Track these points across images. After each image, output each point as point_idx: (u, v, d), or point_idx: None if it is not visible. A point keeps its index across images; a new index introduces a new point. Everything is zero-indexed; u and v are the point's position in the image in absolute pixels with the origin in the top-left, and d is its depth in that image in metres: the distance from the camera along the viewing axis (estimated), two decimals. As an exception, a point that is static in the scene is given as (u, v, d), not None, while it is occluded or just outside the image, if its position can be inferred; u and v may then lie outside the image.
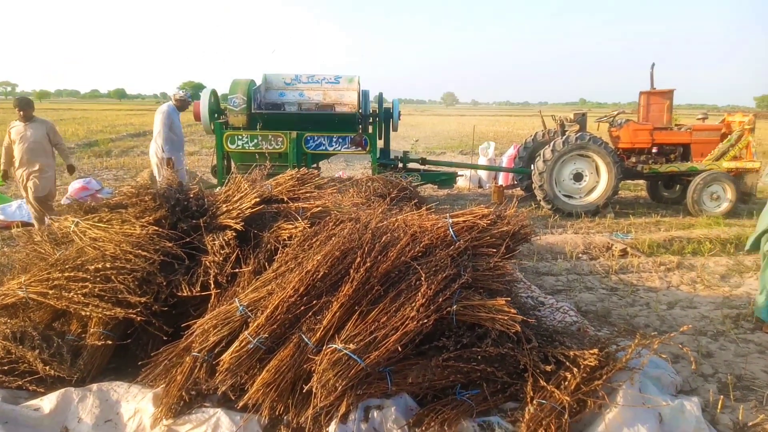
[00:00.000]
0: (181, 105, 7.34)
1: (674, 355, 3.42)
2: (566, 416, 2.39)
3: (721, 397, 2.93)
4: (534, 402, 2.49)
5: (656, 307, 4.30)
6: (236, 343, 2.57)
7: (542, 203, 7.87)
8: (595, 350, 2.66)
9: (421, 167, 8.84)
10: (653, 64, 8.46)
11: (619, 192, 9.84)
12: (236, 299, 2.74)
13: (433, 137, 24.07)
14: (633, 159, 8.24)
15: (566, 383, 2.56)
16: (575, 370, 2.59)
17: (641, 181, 9.52)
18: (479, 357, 2.67)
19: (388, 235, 2.83)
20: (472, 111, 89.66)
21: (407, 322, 2.51)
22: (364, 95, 7.90)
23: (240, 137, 7.46)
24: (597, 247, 6.00)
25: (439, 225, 3.04)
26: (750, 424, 2.75)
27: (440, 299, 2.63)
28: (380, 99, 8.19)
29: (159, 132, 7.10)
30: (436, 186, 9.04)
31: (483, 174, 10.61)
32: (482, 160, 10.51)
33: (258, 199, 3.25)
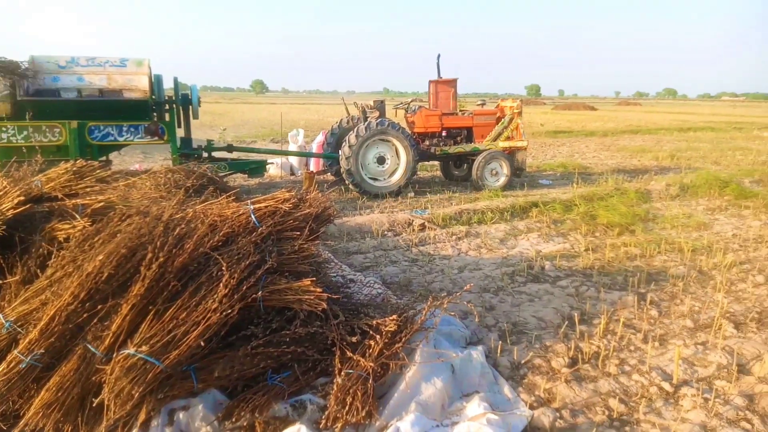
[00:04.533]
0: None
1: (463, 312, 3.86)
2: (371, 381, 2.55)
3: (500, 342, 3.40)
4: (342, 373, 2.60)
5: (449, 273, 4.80)
6: (3, 365, 2.22)
7: (351, 186, 8.19)
8: (395, 316, 2.88)
9: (229, 156, 8.52)
10: (439, 56, 9.31)
11: (418, 173, 10.72)
12: (0, 315, 2.35)
13: (243, 126, 23.32)
14: (427, 142, 9.02)
15: (371, 351, 2.72)
16: (378, 337, 2.77)
17: (436, 162, 10.47)
18: (288, 339, 2.71)
19: (183, 226, 2.67)
20: (283, 99, 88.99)
21: (209, 315, 2.42)
22: (156, 80, 7.30)
23: (4, 129, 6.36)
24: (400, 223, 6.46)
25: (240, 212, 2.97)
26: (523, 362, 3.24)
27: (244, 287, 2.58)
28: (176, 84, 7.65)
29: None
30: (247, 175, 8.81)
31: (294, 161, 10.65)
32: (292, 147, 10.53)
33: (23, 198, 2.81)
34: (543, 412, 2.67)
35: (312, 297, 2.72)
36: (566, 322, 3.74)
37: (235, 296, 2.53)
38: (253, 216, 2.92)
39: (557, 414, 2.69)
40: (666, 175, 10.26)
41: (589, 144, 17.38)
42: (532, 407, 2.74)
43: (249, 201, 3.04)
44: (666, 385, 2.98)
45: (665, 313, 3.98)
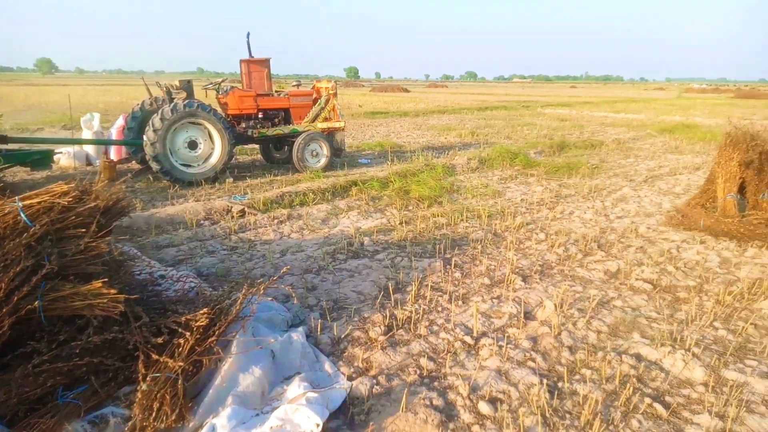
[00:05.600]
0: None
1: (286, 295, 3.83)
2: (180, 382, 2.39)
3: (320, 321, 3.45)
4: (147, 378, 2.40)
5: (271, 257, 4.72)
6: None
7: (160, 174, 7.54)
8: (206, 309, 2.73)
9: (3, 147, 7.25)
10: (248, 34, 8.96)
11: (237, 157, 10.33)
12: None
13: (26, 111, 20.00)
14: (243, 124, 8.68)
15: (180, 349, 2.55)
16: (188, 334, 2.60)
17: (256, 145, 10.17)
18: (80, 351, 2.41)
19: None
20: (77, 80, 78.50)
21: (-31, 336, 2.03)
22: None
23: None
24: (217, 211, 6.16)
25: (6, 211, 2.53)
26: (342, 336, 3.32)
27: (15, 298, 2.22)
28: None
29: None
30: (29, 168, 7.60)
31: (91, 149, 9.45)
32: (87, 134, 9.32)
33: None
34: (361, 381, 2.78)
35: (105, 300, 2.45)
36: (382, 293, 3.94)
37: (4, 310, 2.17)
38: (22, 214, 2.50)
39: (374, 381, 2.81)
40: (468, 150, 11.33)
41: (403, 124, 18.42)
42: (351, 378, 2.83)
43: (17, 197, 2.60)
44: (468, 339, 3.31)
45: (467, 274, 4.41)
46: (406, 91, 50.33)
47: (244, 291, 2.93)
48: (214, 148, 7.86)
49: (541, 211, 6.55)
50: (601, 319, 3.64)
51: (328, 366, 2.95)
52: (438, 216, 6.16)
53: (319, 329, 3.34)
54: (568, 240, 5.34)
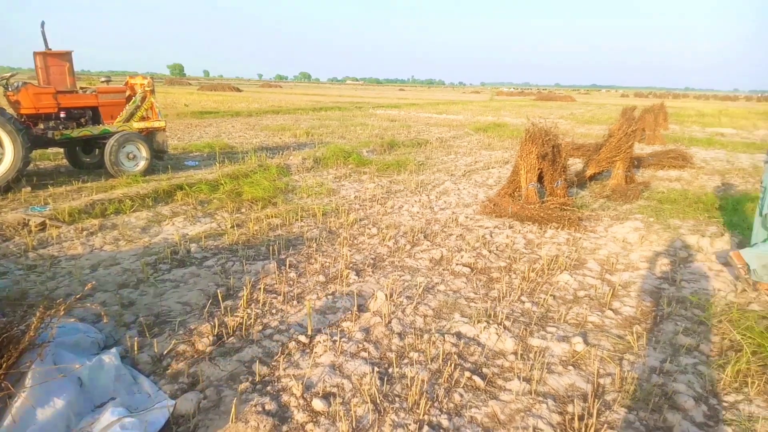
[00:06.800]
0: None
1: (97, 315, 3.42)
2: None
3: (138, 339, 3.14)
4: None
5: (78, 274, 4.18)
6: None
7: (-70, 186, 6.25)
8: (-14, 341, 2.31)
9: None
10: (43, 23, 7.83)
11: (36, 162, 9.02)
12: None
13: None
14: (41, 125, 7.56)
15: (-47, 392, 2.13)
16: (-38, 372, 2.18)
17: (61, 149, 8.97)
18: None
19: None
20: None
21: None
22: None
23: None
24: (10, 225, 5.29)
25: None
26: (165, 352, 3.06)
27: None
28: None
29: None
30: None
31: None
32: None
33: None
34: (186, 397, 2.59)
35: None
36: (211, 301, 3.73)
37: None
38: None
39: (202, 395, 2.64)
40: (303, 150, 11.31)
41: (236, 124, 17.76)
42: (175, 396, 2.62)
43: None
44: (303, 338, 3.28)
45: (302, 273, 4.38)
46: (238, 90, 48.65)
47: (39, 314, 2.54)
48: (3, 153, 6.73)
49: (374, 206, 6.78)
50: (427, 304, 3.87)
51: (147, 386, 2.69)
52: (272, 217, 6.03)
53: (136, 348, 3.04)
54: (397, 233, 5.61)
